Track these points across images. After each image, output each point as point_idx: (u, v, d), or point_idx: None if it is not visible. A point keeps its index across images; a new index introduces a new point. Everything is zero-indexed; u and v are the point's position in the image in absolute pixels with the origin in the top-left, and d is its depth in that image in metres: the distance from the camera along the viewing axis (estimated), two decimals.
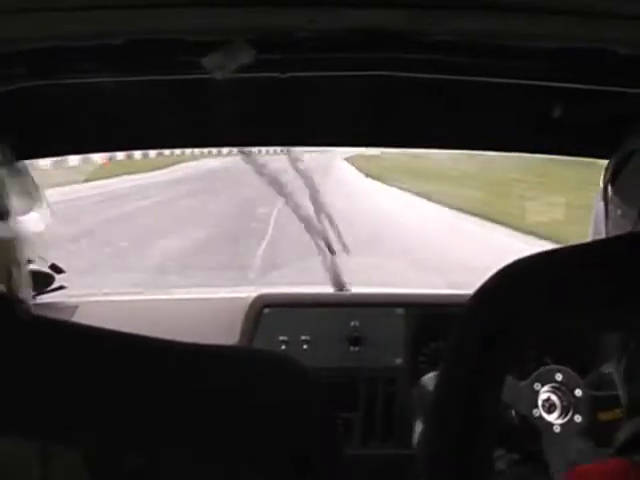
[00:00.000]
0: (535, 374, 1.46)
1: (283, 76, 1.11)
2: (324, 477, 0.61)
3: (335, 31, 0.96)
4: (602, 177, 0.95)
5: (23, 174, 0.87)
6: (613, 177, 0.91)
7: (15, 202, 0.79)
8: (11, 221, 0.77)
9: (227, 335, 1.89)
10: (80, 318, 1.84)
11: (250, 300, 1.97)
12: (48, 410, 0.59)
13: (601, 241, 0.81)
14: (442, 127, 1.41)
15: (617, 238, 0.82)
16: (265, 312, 1.94)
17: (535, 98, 1.24)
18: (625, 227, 0.86)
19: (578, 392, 1.43)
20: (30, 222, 0.86)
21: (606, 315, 0.68)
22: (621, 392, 0.87)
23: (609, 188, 0.91)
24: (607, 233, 0.90)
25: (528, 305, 0.65)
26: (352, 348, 1.94)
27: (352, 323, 1.95)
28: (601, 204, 0.94)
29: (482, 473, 0.64)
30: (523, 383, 1.45)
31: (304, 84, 1.24)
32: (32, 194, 0.89)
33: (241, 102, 1.31)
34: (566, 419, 1.43)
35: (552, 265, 0.68)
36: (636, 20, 0.76)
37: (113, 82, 1.16)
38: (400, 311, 1.96)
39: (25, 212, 0.84)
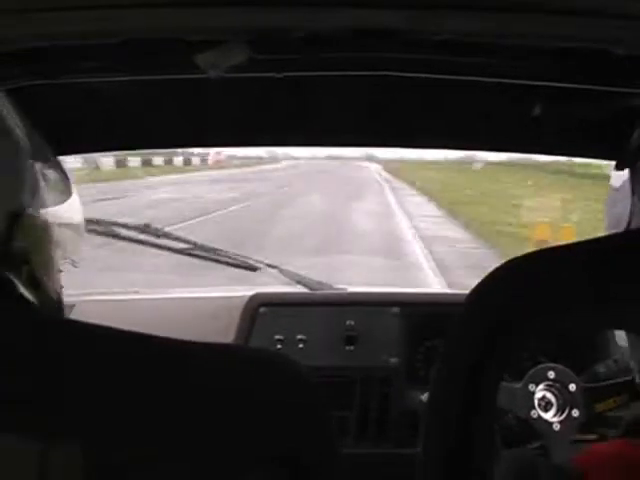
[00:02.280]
0: (528, 375, 1.47)
1: (281, 76, 1.12)
2: (319, 476, 0.62)
3: (333, 31, 0.96)
4: (628, 173, 0.94)
5: (55, 166, 0.87)
6: (634, 162, 0.90)
7: (46, 194, 0.80)
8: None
9: (223, 334, 1.89)
10: (76, 317, 1.83)
11: (246, 299, 1.97)
12: (49, 408, 0.60)
13: (598, 239, 0.81)
14: (442, 127, 1.42)
15: (613, 236, 0.82)
16: (261, 311, 1.95)
17: (536, 98, 1.25)
18: None
19: (572, 387, 1.45)
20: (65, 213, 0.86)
21: (603, 313, 0.69)
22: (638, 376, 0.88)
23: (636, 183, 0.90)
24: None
25: (524, 304, 0.66)
26: (347, 347, 1.95)
27: (348, 322, 1.95)
28: (617, 198, 0.93)
29: (478, 472, 0.65)
30: (517, 386, 1.46)
31: (302, 84, 1.25)
32: (62, 186, 0.89)
33: (239, 102, 1.31)
34: (564, 415, 1.44)
35: (548, 264, 0.68)
36: (636, 20, 0.76)
37: (113, 82, 1.16)
38: (395, 310, 1.97)
39: (56, 203, 0.84)
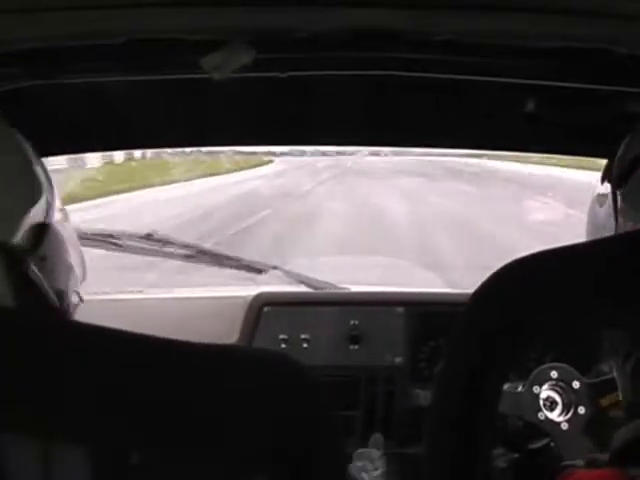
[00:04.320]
0: (531, 378, 1.46)
1: (283, 76, 1.11)
2: (324, 476, 0.61)
3: (335, 31, 0.96)
4: (605, 183, 0.93)
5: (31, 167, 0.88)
6: (619, 183, 0.89)
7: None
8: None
9: (227, 334, 1.89)
10: (79, 317, 1.83)
11: (250, 299, 1.97)
12: (49, 409, 0.59)
13: (601, 240, 0.80)
14: (442, 126, 1.42)
15: (617, 237, 0.81)
16: (265, 311, 1.95)
17: (537, 98, 1.24)
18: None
19: (576, 384, 1.44)
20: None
21: (607, 314, 0.68)
22: (623, 391, 0.86)
23: (618, 195, 0.89)
24: None
25: (528, 304, 0.65)
26: (352, 347, 1.94)
27: (352, 322, 1.95)
28: (599, 212, 0.92)
29: (481, 472, 0.64)
30: (521, 390, 1.45)
31: (304, 84, 1.25)
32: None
33: (241, 102, 1.31)
34: (570, 414, 1.43)
35: (552, 264, 0.68)
36: (636, 20, 0.76)
37: (113, 82, 1.16)
38: (400, 310, 1.96)
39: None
